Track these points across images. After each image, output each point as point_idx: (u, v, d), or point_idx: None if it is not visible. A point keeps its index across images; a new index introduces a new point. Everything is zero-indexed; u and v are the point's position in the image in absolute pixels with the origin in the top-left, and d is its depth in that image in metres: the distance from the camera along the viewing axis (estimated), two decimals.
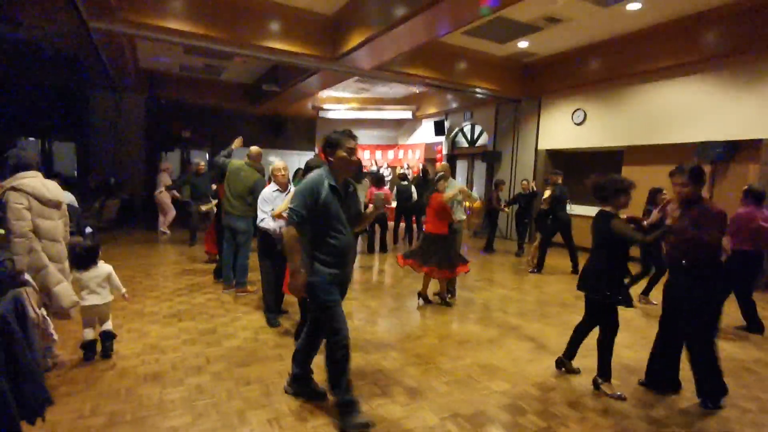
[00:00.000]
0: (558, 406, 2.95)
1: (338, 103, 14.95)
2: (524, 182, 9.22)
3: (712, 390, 3.03)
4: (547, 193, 7.60)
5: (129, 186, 12.45)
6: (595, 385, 3.21)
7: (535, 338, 4.24)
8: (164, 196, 9.44)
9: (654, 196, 5.37)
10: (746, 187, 4.82)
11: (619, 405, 3.00)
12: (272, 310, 4.25)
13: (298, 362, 2.88)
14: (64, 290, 3.04)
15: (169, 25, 7.07)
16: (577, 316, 3.54)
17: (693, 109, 7.68)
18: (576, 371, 3.46)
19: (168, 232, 9.48)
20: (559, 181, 7.66)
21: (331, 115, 15.19)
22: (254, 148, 5.24)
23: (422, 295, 5.22)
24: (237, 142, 5.56)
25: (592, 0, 6.89)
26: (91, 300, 3.32)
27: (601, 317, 3.22)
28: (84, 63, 10.54)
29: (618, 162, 9.16)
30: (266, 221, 3.90)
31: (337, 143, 2.66)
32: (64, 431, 2.41)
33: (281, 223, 3.69)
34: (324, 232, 2.56)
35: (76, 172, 12.66)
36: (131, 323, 4.11)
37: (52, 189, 3.03)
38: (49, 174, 8.66)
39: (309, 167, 3.74)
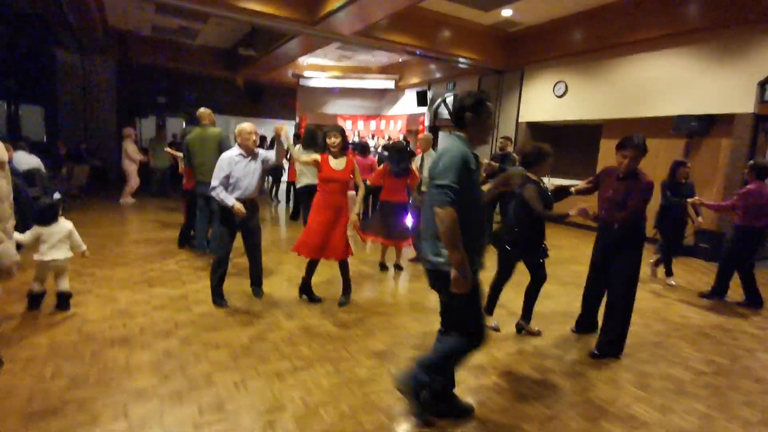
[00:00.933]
0: (520, 365, 3.04)
1: (320, 71, 14.56)
2: (503, 140, 8.25)
3: (618, 340, 3.31)
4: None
5: (100, 153, 12.05)
6: (518, 328, 3.63)
7: (505, 305, 4.32)
8: (128, 164, 9.14)
9: (676, 168, 5.29)
10: (752, 162, 4.77)
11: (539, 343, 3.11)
12: (218, 291, 3.85)
13: (443, 370, 2.34)
14: (5, 250, 2.94)
15: None
16: (547, 285, 3.63)
17: (671, 83, 7.71)
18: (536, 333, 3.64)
19: (130, 201, 9.19)
20: (509, 148, 7.67)
21: (312, 83, 14.81)
22: (202, 109, 5.15)
23: (383, 263, 5.33)
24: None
25: None
26: (51, 254, 3.36)
27: (530, 270, 3.56)
28: (50, 21, 9.94)
29: (597, 135, 9.22)
30: (218, 191, 3.63)
31: (484, 106, 2.23)
32: (22, 396, 2.37)
33: (231, 200, 3.63)
34: (466, 215, 2.11)
35: (45, 138, 12.16)
36: (100, 288, 4.04)
37: None
38: (15, 138, 8.35)
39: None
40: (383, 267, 5.33)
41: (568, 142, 10.32)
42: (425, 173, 5.18)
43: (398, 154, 4.91)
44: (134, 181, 9.34)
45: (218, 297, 3.81)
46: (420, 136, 5.83)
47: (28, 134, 11.60)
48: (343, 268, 3.96)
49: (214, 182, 3.66)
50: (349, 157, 3.87)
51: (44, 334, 3.09)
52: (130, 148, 9.17)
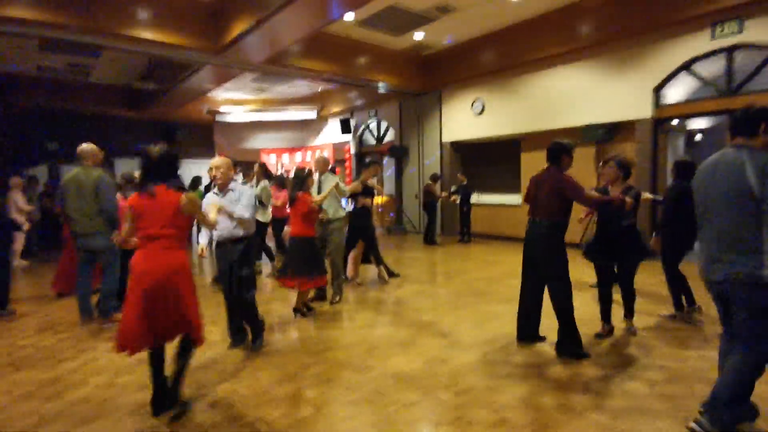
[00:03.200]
0: (471, 409, 2.64)
1: (236, 105, 13.91)
2: (461, 176, 9.61)
3: (572, 342, 3.40)
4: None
5: None
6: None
7: (449, 334, 3.96)
8: (17, 218, 7.82)
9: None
10: (675, 161, 4.70)
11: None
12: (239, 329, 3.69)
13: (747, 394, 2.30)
14: None
15: (3, 13, 5.80)
16: (490, 305, 3.31)
17: (577, 95, 8.12)
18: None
19: (23, 263, 7.87)
20: (464, 181, 9.21)
21: (229, 118, 14.10)
22: (84, 146, 4.38)
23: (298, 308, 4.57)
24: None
25: None
26: None
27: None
28: None
29: (517, 149, 9.46)
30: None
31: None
32: None
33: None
34: None
35: None
36: None
37: None
38: None
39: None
40: (302, 310, 4.57)
41: (491, 158, 10.54)
42: (321, 197, 4.81)
43: (296, 180, 4.37)
44: (19, 242, 8.00)
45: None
46: (317, 156, 5.45)
47: None
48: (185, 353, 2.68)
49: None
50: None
51: None
52: (19, 199, 7.91)
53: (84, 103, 11.98)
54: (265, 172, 6.63)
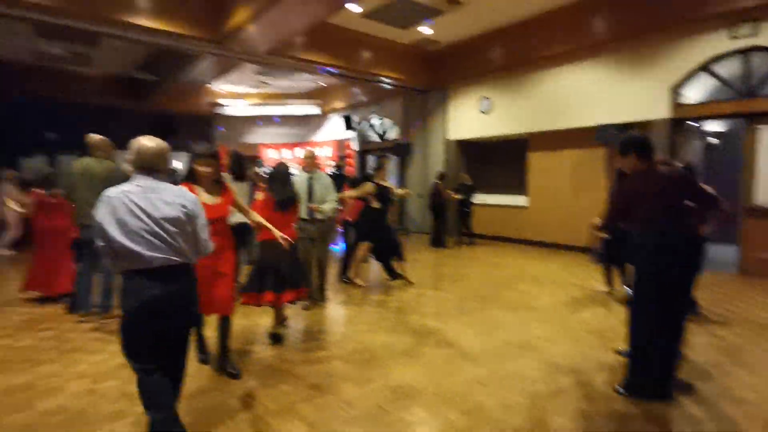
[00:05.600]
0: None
1: (238, 99, 13.65)
2: (464, 175, 9.34)
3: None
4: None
5: None
6: None
7: (454, 343, 3.71)
8: (7, 210, 7.63)
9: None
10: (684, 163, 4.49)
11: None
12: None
13: None
14: None
15: None
16: (496, 311, 3.06)
17: (590, 94, 7.84)
18: None
19: (8, 252, 7.70)
20: (469, 181, 9.06)
21: (230, 111, 13.83)
22: (95, 136, 4.21)
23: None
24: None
25: None
26: None
27: None
28: None
29: (524, 149, 9.20)
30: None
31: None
32: None
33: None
34: None
35: None
36: None
37: None
38: None
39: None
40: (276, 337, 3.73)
41: (497, 157, 10.29)
42: (311, 195, 4.47)
43: (280, 181, 3.72)
44: (15, 230, 7.85)
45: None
46: (305, 152, 4.76)
47: None
48: (225, 327, 3.04)
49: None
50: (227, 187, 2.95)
51: None
52: (12, 191, 7.71)
53: (84, 93, 11.73)
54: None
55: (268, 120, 14.40)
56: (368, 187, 5.41)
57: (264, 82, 12.45)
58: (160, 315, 1.98)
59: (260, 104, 13.85)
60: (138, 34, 6.99)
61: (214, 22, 7.16)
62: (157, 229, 1.97)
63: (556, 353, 3.43)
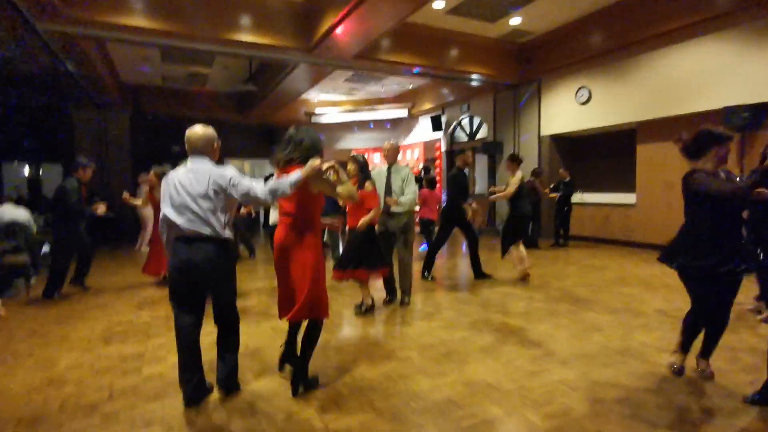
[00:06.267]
0: None
1: (331, 107, 14.34)
2: (563, 171, 8.83)
3: None
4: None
5: (114, 204, 11.94)
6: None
7: (541, 343, 3.40)
8: (144, 211, 8.82)
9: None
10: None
11: None
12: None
13: None
14: None
15: (124, 22, 6.52)
16: (593, 314, 2.72)
17: (711, 73, 6.80)
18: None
19: (147, 249, 8.86)
20: (567, 178, 8.59)
21: (324, 119, 14.56)
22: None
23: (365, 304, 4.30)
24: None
25: None
26: None
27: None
28: (62, 81, 10.07)
29: (631, 141, 8.27)
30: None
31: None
32: None
33: None
34: None
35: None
36: (45, 350, 3.40)
37: None
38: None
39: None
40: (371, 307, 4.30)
41: (598, 152, 9.42)
42: (395, 189, 4.43)
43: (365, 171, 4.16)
44: (151, 228, 9.08)
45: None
46: (385, 144, 4.71)
47: (47, 193, 11.76)
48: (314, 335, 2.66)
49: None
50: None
51: None
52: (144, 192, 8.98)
53: (201, 109, 13.27)
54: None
55: (362, 125, 14.87)
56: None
57: (354, 89, 12.91)
58: (188, 274, 2.39)
59: (352, 110, 14.38)
60: (241, 49, 7.69)
61: (305, 32, 7.61)
62: (191, 204, 2.34)
63: (664, 362, 2.96)
